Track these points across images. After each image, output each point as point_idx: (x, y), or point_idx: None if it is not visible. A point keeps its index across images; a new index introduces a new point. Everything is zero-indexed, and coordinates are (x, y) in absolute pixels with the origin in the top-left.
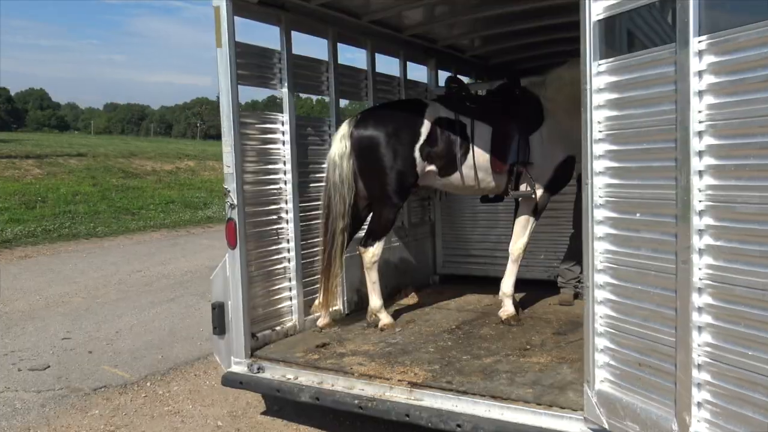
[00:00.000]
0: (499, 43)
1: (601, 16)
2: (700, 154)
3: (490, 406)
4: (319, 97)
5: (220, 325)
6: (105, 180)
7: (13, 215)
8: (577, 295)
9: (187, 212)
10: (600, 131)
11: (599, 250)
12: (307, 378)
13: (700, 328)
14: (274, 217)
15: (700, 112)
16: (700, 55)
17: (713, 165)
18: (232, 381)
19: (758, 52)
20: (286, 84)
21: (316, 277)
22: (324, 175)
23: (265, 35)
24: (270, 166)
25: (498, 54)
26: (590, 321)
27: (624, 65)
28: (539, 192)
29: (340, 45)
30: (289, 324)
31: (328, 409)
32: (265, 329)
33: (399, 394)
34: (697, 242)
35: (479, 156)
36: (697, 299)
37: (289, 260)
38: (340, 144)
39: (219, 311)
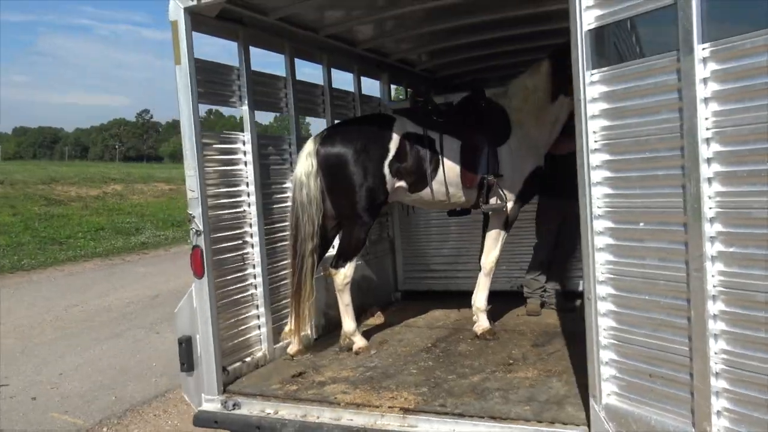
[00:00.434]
0: (446, 56)
1: (592, 26)
2: (709, 161)
3: (491, 427)
4: (277, 114)
5: (188, 362)
6: (26, 208)
7: None
8: (543, 305)
9: (119, 239)
10: (596, 141)
11: (600, 261)
12: (288, 411)
13: (715, 336)
14: (239, 242)
15: (706, 119)
16: (704, 63)
17: (722, 172)
18: (205, 420)
19: (764, 59)
20: (246, 101)
21: (283, 302)
22: (288, 195)
23: (208, 52)
24: (232, 189)
25: (445, 67)
26: (594, 334)
27: (619, 74)
28: (510, 204)
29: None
30: (259, 354)
31: None
32: (236, 362)
33: (391, 422)
34: (709, 249)
35: (449, 170)
36: (712, 307)
37: (255, 286)
38: (306, 162)
39: (186, 346)
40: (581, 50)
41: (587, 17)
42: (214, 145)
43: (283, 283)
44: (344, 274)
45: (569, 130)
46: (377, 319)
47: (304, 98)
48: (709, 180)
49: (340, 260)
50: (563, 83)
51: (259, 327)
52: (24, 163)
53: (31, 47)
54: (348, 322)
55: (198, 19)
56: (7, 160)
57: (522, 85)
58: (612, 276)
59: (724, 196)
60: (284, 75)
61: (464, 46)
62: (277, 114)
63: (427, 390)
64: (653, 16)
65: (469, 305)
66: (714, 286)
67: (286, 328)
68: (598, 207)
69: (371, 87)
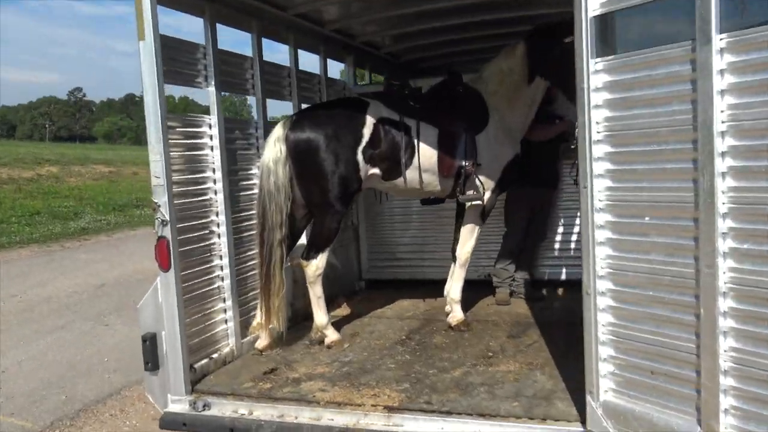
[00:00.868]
0: (411, 41)
1: (597, 12)
2: (723, 155)
3: (481, 425)
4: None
5: (153, 360)
6: None
7: None
8: (512, 294)
9: (56, 224)
10: (598, 132)
11: (600, 255)
12: (264, 412)
13: (725, 333)
14: (205, 231)
15: (722, 111)
16: (721, 53)
17: (736, 167)
18: (172, 423)
19: None
20: (212, 82)
21: (251, 294)
22: (255, 182)
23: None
24: (198, 175)
25: (409, 52)
26: (592, 329)
27: (627, 63)
28: (487, 194)
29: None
30: (227, 350)
31: None
32: (202, 359)
33: (376, 421)
34: (721, 245)
35: (425, 158)
36: (722, 303)
37: (222, 278)
38: (274, 148)
39: (151, 344)
40: (586, 37)
41: (593, 3)
42: (179, 129)
43: (250, 274)
44: (316, 266)
45: (542, 117)
46: (344, 309)
47: (270, 80)
48: (723, 174)
49: (311, 251)
50: (539, 65)
51: (226, 321)
52: None
53: None
54: (320, 315)
55: None
56: None
57: (497, 67)
58: (612, 271)
59: (738, 192)
60: (251, 55)
61: (429, 31)
62: (226, 94)
63: (410, 386)
64: (662, 3)
65: (436, 294)
66: (725, 283)
67: (255, 322)
68: (600, 200)
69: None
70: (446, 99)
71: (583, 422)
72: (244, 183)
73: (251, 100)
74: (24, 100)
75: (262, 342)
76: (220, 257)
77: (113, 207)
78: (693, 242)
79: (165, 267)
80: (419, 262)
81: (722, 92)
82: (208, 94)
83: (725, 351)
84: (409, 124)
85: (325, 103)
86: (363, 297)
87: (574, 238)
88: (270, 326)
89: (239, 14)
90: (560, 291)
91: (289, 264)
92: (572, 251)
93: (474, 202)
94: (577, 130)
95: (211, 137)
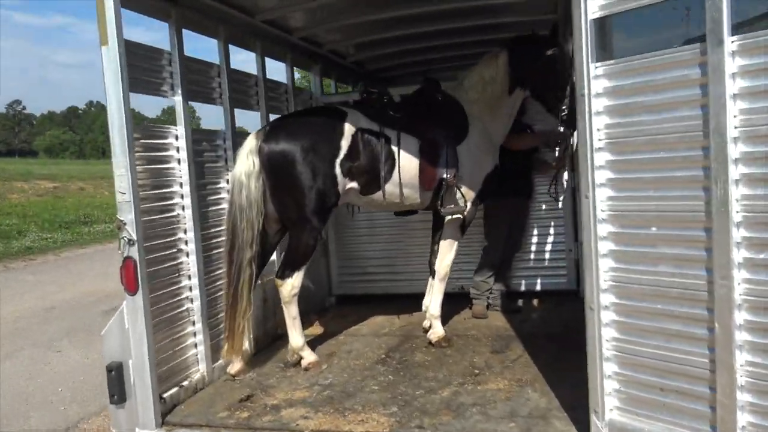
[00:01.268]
0: (376, 49)
1: (597, 15)
2: (736, 162)
3: None
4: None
5: (119, 392)
6: None
7: None
8: (488, 306)
9: None
10: (600, 139)
11: (603, 268)
12: None
13: (740, 347)
14: (173, 250)
15: (735, 117)
16: (733, 56)
17: (749, 174)
18: None
19: None
20: (179, 91)
21: (221, 316)
22: (224, 196)
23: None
24: (165, 190)
25: (374, 60)
26: (596, 345)
27: (630, 67)
28: (468, 206)
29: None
30: (197, 376)
31: None
32: (172, 387)
33: None
34: (736, 256)
35: (406, 171)
36: (738, 316)
37: (191, 300)
38: (247, 161)
39: (117, 374)
40: (586, 41)
41: (592, 5)
42: (143, 140)
43: (220, 294)
44: (291, 285)
45: (516, 127)
46: (316, 328)
47: (238, 89)
48: (736, 182)
49: (286, 269)
50: (521, 75)
51: (195, 345)
52: None
53: None
54: (296, 337)
55: None
56: None
57: (478, 76)
58: (617, 284)
59: (752, 200)
60: (218, 63)
61: (394, 39)
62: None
63: (398, 409)
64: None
65: (410, 309)
66: (740, 295)
67: (226, 346)
68: (602, 210)
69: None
70: (425, 108)
71: None
72: (213, 198)
73: (200, 110)
74: None
75: (235, 366)
76: (189, 277)
77: (60, 224)
78: (704, 253)
79: (132, 290)
80: (391, 276)
81: (734, 96)
82: (174, 104)
83: (741, 366)
84: (389, 134)
85: (300, 112)
86: (335, 314)
87: (547, 248)
88: (240, 349)
89: (206, 19)
90: (535, 302)
91: (260, 282)
92: (546, 261)
93: (455, 215)
94: (550, 139)
95: (177, 149)
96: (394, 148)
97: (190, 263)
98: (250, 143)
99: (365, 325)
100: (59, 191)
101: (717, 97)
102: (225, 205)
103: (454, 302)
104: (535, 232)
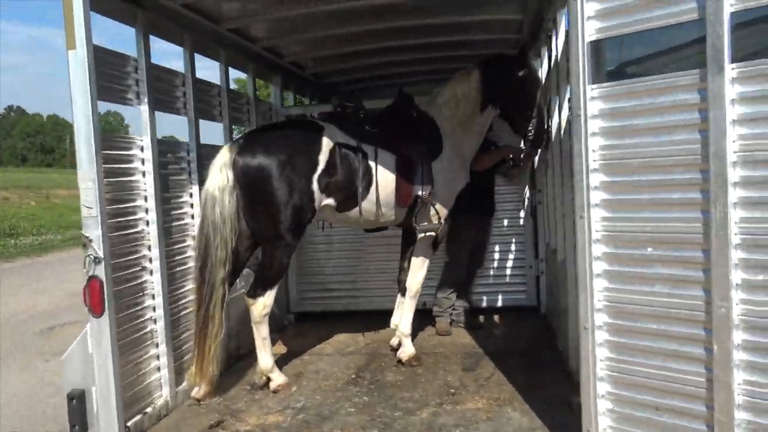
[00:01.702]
0: (337, 63)
1: (593, 37)
2: (735, 185)
3: None
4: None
5: (81, 421)
6: None
7: None
8: (451, 323)
9: None
10: (595, 160)
11: (598, 288)
12: None
13: (737, 366)
14: (137, 268)
15: (734, 141)
16: (732, 83)
17: (747, 197)
18: None
19: None
20: (145, 99)
21: (184, 336)
22: (187, 211)
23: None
24: (129, 204)
25: (333, 74)
26: (590, 365)
27: (628, 90)
28: (443, 224)
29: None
30: (160, 402)
31: None
32: (136, 414)
33: None
34: (735, 277)
35: (383, 187)
36: (736, 336)
37: (155, 321)
38: (220, 175)
39: (79, 402)
40: (582, 63)
41: (589, 28)
42: (105, 151)
43: (183, 314)
44: (263, 304)
45: (485, 145)
46: (279, 347)
47: (201, 99)
48: (734, 205)
49: (258, 288)
50: (493, 94)
51: (158, 369)
52: None
53: None
54: (265, 358)
55: None
56: None
57: (452, 93)
58: (611, 304)
59: (750, 222)
60: (182, 71)
61: (355, 54)
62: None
63: None
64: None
65: (373, 326)
66: (737, 315)
67: (191, 369)
68: (596, 230)
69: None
70: (401, 123)
71: None
72: (177, 213)
73: (129, 117)
74: None
75: (201, 391)
76: (153, 297)
77: None
78: (702, 274)
79: (97, 311)
80: (352, 293)
81: (734, 122)
82: (139, 113)
83: (739, 384)
84: (367, 150)
85: (274, 125)
86: (295, 332)
87: (509, 264)
88: (210, 373)
89: (172, 25)
90: (497, 318)
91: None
92: (507, 278)
93: (428, 233)
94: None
95: (142, 161)
96: (372, 164)
97: (154, 282)
98: (224, 156)
99: (328, 343)
100: None
101: (717, 122)
102: (188, 221)
103: (417, 319)
104: (497, 248)
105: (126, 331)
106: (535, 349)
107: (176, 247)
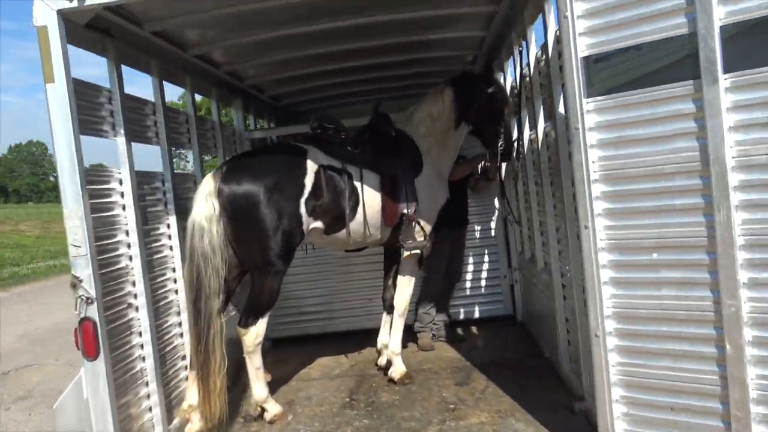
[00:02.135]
0: (297, 84)
1: (586, 53)
2: (735, 189)
3: None
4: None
5: None
6: None
7: None
8: (432, 337)
9: None
10: (595, 171)
11: (606, 295)
12: None
13: (749, 362)
14: (123, 306)
15: (731, 147)
16: (726, 92)
17: (747, 200)
18: None
19: None
20: (121, 131)
21: (171, 372)
22: (167, 243)
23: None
24: (111, 241)
25: (289, 96)
26: (603, 371)
27: (623, 102)
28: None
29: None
30: None
31: None
32: None
33: None
34: (742, 277)
35: (369, 208)
36: (747, 333)
37: (143, 358)
38: (206, 204)
39: None
40: (577, 78)
41: (581, 44)
42: (87, 186)
43: (169, 349)
44: (256, 333)
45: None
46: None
47: (172, 126)
48: (736, 208)
49: (249, 316)
50: (466, 111)
51: (150, 409)
52: None
53: None
54: (259, 388)
55: (70, 27)
56: None
57: (427, 111)
58: (619, 310)
59: (752, 224)
60: (152, 99)
61: (316, 74)
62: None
63: None
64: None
65: (354, 347)
66: (747, 313)
67: (185, 405)
68: (601, 239)
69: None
70: (380, 143)
71: None
72: (156, 245)
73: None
74: None
75: (195, 426)
76: (140, 334)
77: None
78: (709, 275)
79: (92, 354)
80: (329, 314)
81: (730, 129)
82: (116, 145)
83: (752, 380)
84: (351, 171)
85: (255, 150)
86: (274, 358)
87: (483, 275)
88: (219, 411)
89: (140, 53)
90: (475, 329)
91: None
92: (482, 289)
93: (413, 250)
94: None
95: (122, 194)
96: (357, 185)
97: (140, 318)
98: (208, 185)
99: (312, 368)
100: None
101: (715, 129)
102: (167, 252)
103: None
104: (470, 260)
105: (117, 372)
106: (521, 357)
107: (158, 280)
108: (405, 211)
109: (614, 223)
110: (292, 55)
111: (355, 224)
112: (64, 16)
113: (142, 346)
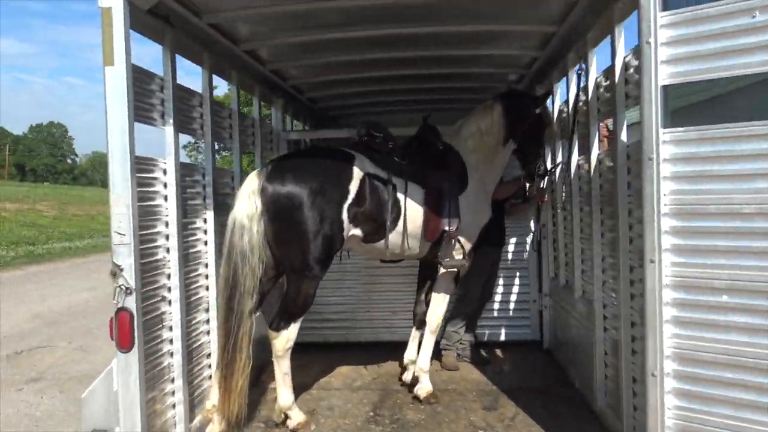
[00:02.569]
0: (339, 88)
1: (666, 82)
2: None
3: None
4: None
5: None
6: None
7: None
8: (458, 357)
9: None
10: (666, 205)
11: (667, 334)
12: None
13: None
14: (156, 298)
15: None
16: None
17: None
18: None
19: None
20: (170, 120)
21: (196, 370)
22: (202, 238)
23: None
24: (149, 231)
25: (328, 99)
26: (658, 413)
27: (703, 136)
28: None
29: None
30: None
31: None
32: None
33: None
34: None
35: (411, 221)
36: None
37: (172, 354)
38: (248, 202)
39: None
40: (655, 107)
41: (662, 73)
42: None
43: (196, 346)
44: (287, 338)
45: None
46: None
47: (216, 120)
48: None
49: (282, 320)
50: (515, 129)
51: (174, 406)
52: None
53: None
54: (285, 395)
55: (133, 11)
56: None
57: (476, 126)
58: (681, 351)
59: None
60: (200, 91)
61: (358, 80)
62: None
63: None
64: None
65: (374, 359)
66: None
67: (208, 405)
68: (666, 275)
69: None
70: (427, 155)
71: None
72: (192, 239)
73: (72, 128)
74: None
75: (216, 428)
76: (170, 328)
77: None
78: None
79: (126, 346)
80: (352, 323)
81: None
82: (163, 134)
83: None
84: (396, 182)
85: (303, 151)
86: (295, 363)
87: (512, 298)
88: (238, 410)
89: (195, 44)
90: (500, 352)
91: None
92: (511, 312)
93: (452, 268)
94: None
95: (165, 185)
96: (401, 197)
97: (172, 312)
98: (253, 183)
99: (333, 377)
100: None
101: None
102: (201, 248)
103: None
104: (500, 281)
105: (146, 365)
106: (549, 384)
107: (192, 275)
108: (446, 228)
109: (683, 260)
110: (336, 59)
111: (395, 236)
112: None
113: (171, 341)
